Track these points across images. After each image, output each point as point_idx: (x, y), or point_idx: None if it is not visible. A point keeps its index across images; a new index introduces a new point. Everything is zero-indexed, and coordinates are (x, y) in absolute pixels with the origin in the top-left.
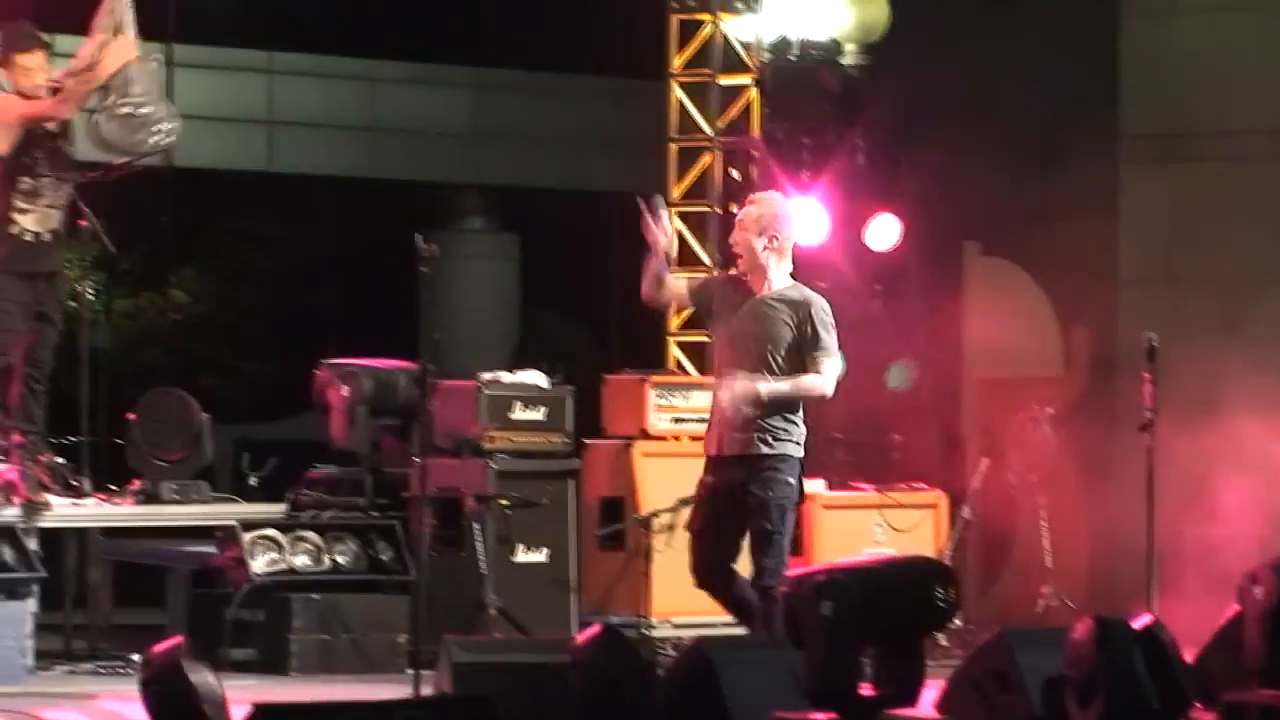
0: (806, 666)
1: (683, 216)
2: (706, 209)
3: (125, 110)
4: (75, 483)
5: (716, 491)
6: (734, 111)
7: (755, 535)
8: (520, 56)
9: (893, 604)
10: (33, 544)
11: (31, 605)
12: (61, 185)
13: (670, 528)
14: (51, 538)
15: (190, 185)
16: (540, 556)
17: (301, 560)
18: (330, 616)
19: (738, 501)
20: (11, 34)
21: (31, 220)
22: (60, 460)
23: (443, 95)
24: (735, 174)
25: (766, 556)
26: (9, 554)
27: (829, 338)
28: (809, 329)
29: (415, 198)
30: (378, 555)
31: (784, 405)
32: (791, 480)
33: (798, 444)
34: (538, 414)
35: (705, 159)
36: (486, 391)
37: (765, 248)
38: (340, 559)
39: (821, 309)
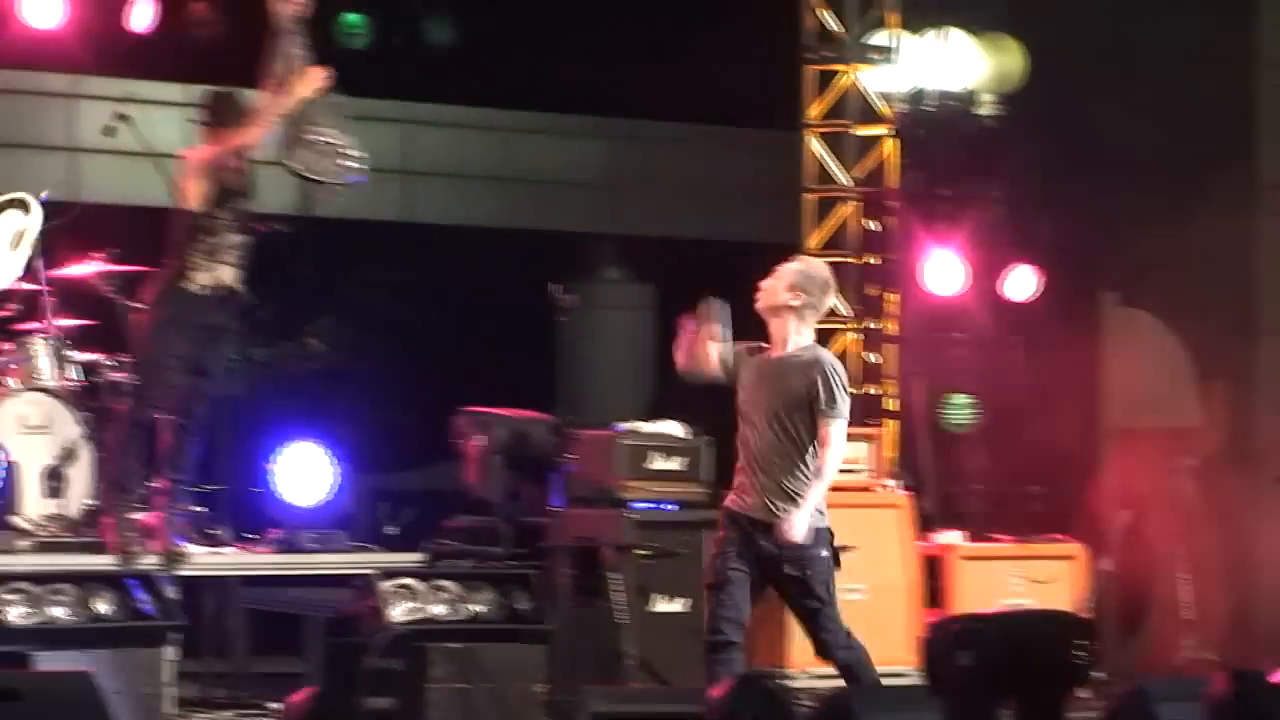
0: (945, 717)
1: None
2: (843, 259)
3: (317, 138)
4: (214, 531)
5: (742, 550)
6: (871, 162)
7: (804, 614)
8: (656, 107)
9: (1032, 657)
10: (172, 592)
11: (171, 653)
12: (240, 241)
13: None
14: (191, 586)
15: (326, 235)
16: (678, 606)
17: (439, 609)
18: (468, 666)
19: (765, 569)
20: (221, 105)
21: (206, 276)
22: (199, 509)
23: (578, 145)
24: (873, 224)
25: (824, 631)
26: (149, 602)
27: (841, 400)
28: (819, 390)
29: (552, 248)
30: (516, 605)
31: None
32: (825, 554)
33: (822, 513)
34: (675, 464)
35: (842, 209)
36: (624, 441)
37: (790, 303)
38: (478, 608)
39: (833, 368)
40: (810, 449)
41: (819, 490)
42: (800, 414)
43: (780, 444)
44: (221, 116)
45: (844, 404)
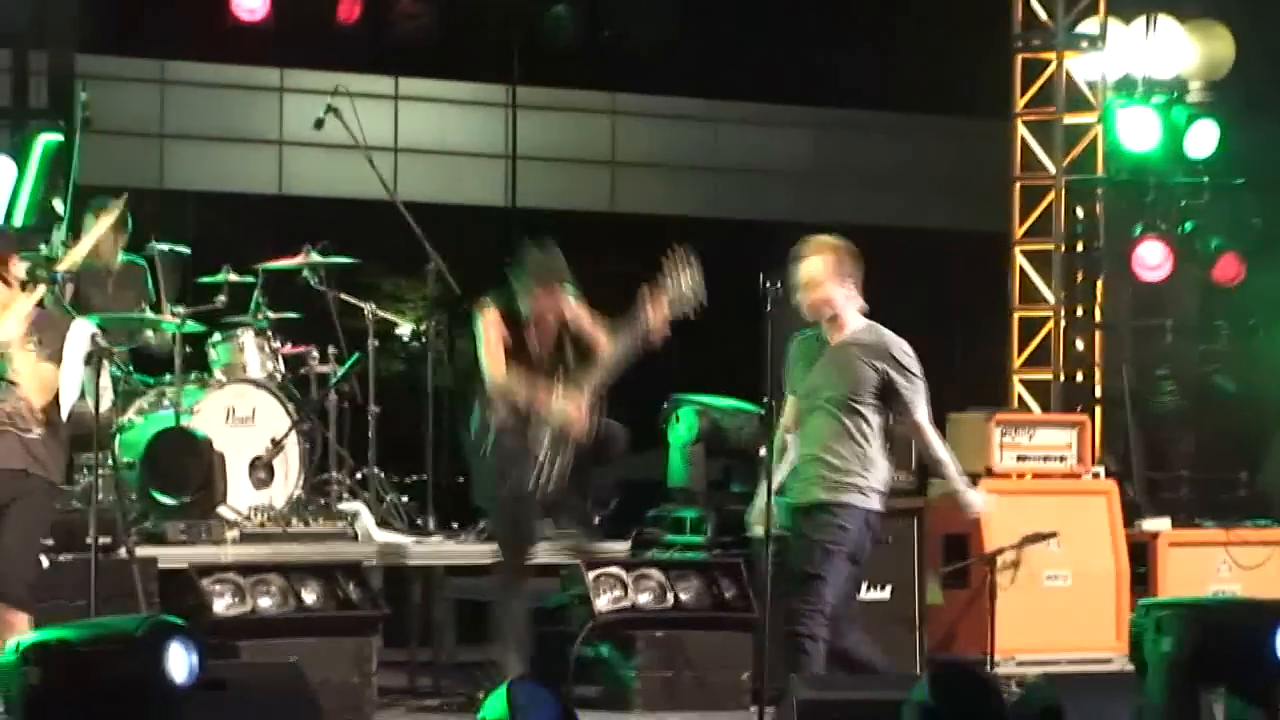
0: (1146, 703)
1: (1027, 255)
2: (1051, 247)
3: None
4: (420, 521)
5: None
6: (1078, 150)
7: (797, 577)
8: (860, 96)
9: (1233, 645)
10: (378, 582)
11: (377, 642)
12: None
13: (1015, 565)
14: (397, 575)
15: (533, 225)
16: (884, 594)
17: (645, 598)
18: (673, 654)
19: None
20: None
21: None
22: (406, 498)
23: (783, 135)
24: (1079, 211)
25: (801, 600)
26: (355, 591)
27: (919, 378)
28: (893, 372)
29: (757, 236)
30: (721, 593)
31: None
32: (847, 526)
33: (865, 493)
34: None
35: (1049, 197)
36: None
37: (847, 296)
38: (683, 596)
39: (903, 350)
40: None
41: (952, 462)
42: (873, 397)
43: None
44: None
45: (921, 382)
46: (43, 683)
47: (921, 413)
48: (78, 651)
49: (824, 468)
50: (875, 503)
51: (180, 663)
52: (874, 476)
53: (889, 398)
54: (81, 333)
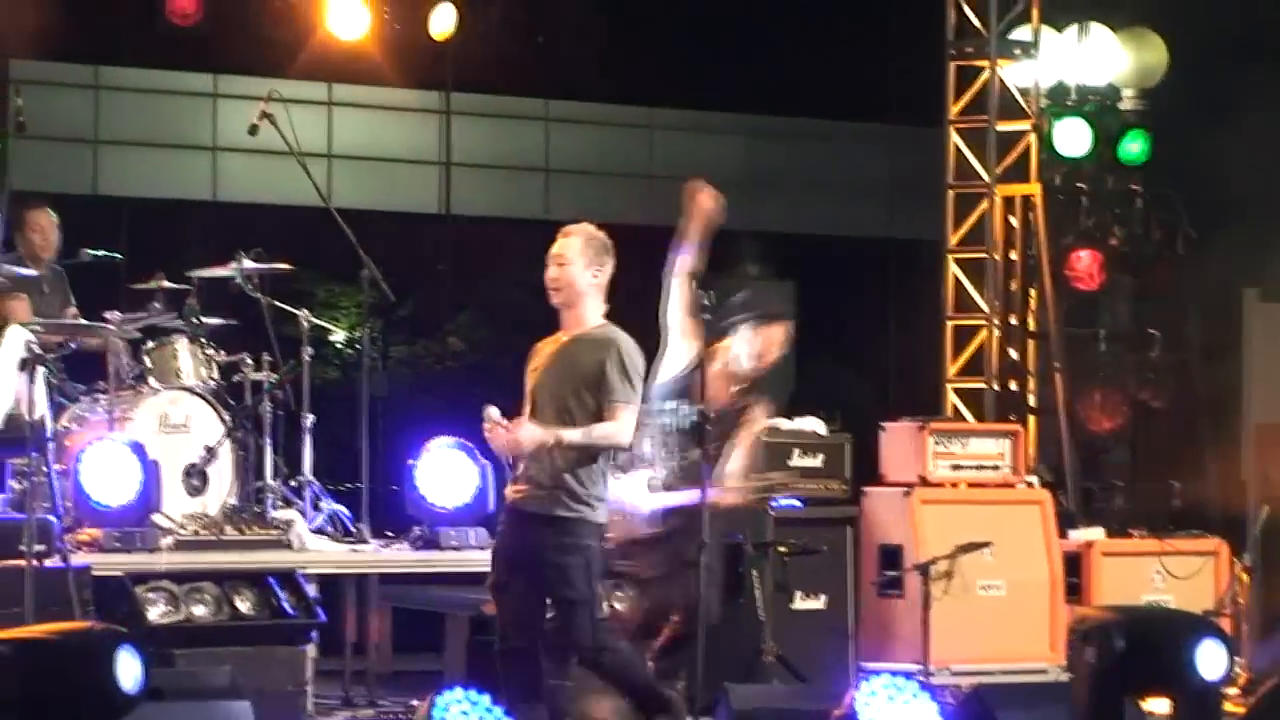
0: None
1: (960, 263)
2: (984, 255)
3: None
4: (354, 529)
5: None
6: (1011, 158)
7: (556, 604)
8: (793, 104)
9: (1151, 656)
10: (312, 590)
11: (311, 651)
12: None
13: (948, 575)
14: (331, 584)
15: (467, 233)
16: (818, 604)
17: None
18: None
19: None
20: None
21: None
22: (339, 507)
23: (717, 142)
24: (1013, 220)
25: (571, 628)
26: (289, 600)
27: (627, 384)
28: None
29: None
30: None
31: (582, 460)
32: (590, 543)
33: (593, 505)
34: (816, 461)
35: (983, 205)
36: (765, 439)
37: (591, 281)
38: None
39: (627, 352)
40: None
41: (585, 435)
42: (589, 398)
43: None
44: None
45: (626, 390)
46: None
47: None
48: (30, 658)
49: None
50: None
51: (129, 671)
52: None
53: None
54: (16, 339)
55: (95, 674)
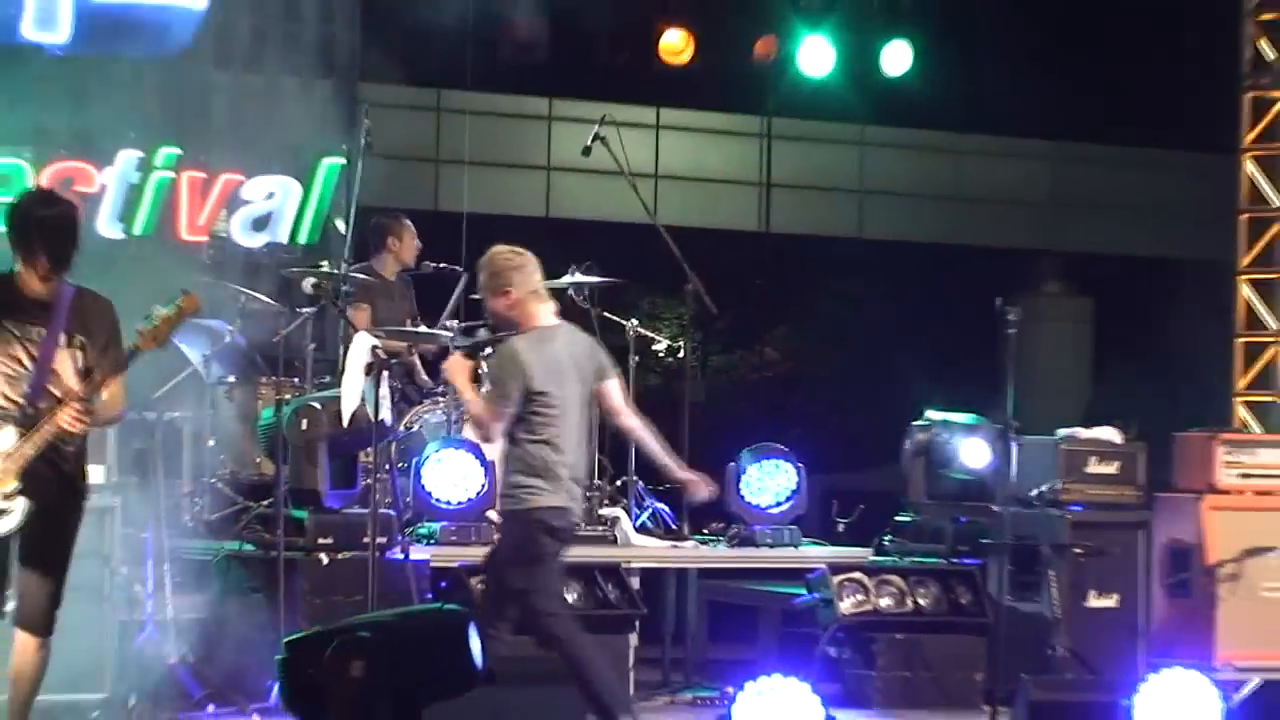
0: None
1: (1252, 284)
2: (1274, 276)
3: None
4: (675, 526)
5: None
6: None
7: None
8: (1099, 130)
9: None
10: (635, 583)
11: (633, 639)
12: None
13: (1236, 577)
14: (653, 577)
15: (784, 250)
16: (1111, 602)
17: (886, 602)
18: (911, 655)
19: None
20: None
21: None
22: (661, 505)
23: (1024, 166)
24: None
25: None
26: (613, 592)
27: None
28: None
29: (997, 263)
30: (957, 599)
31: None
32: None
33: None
34: (1111, 468)
35: (1274, 229)
36: (1063, 447)
37: (509, 307)
38: (922, 601)
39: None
40: None
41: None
42: None
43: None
44: None
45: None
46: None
47: None
48: (398, 637)
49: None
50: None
51: (478, 650)
52: None
53: None
54: (362, 345)
55: (453, 652)
